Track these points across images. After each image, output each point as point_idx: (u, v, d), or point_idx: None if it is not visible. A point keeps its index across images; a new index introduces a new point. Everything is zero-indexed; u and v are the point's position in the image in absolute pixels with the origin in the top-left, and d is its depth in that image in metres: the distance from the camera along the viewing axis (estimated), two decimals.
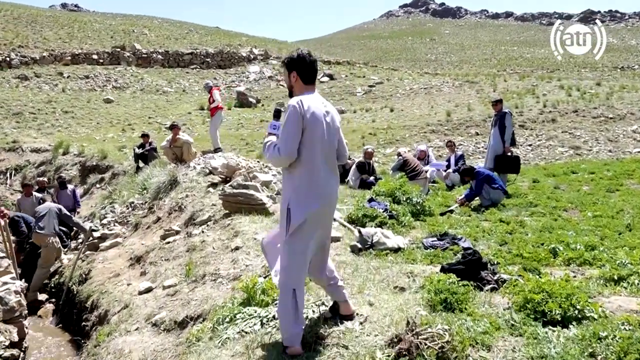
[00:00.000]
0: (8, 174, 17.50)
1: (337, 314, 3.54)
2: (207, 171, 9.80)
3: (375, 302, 3.88)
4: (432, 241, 5.80)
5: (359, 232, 5.68)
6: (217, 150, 12.46)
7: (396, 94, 33.60)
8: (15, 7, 59.84)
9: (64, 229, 11.03)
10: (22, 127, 22.78)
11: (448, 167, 11.53)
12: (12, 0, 69.48)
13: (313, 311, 3.67)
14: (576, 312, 3.45)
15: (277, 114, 3.44)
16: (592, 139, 19.21)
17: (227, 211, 7.38)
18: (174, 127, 11.08)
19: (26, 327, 6.23)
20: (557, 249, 5.44)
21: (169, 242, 7.18)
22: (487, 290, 4.10)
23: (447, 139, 18.56)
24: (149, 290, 5.85)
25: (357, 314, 3.60)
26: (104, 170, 15.99)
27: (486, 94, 29.04)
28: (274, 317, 3.62)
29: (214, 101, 13.18)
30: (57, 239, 8.77)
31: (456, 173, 10.48)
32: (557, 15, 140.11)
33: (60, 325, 7.57)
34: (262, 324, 3.58)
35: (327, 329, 3.39)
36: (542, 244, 5.81)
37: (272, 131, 3.24)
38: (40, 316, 8.00)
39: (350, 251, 5.52)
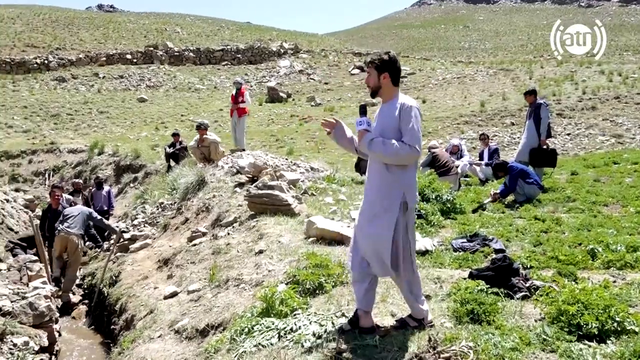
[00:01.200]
0: (47, 175, 18.02)
1: (357, 326, 3.38)
2: (235, 170, 9.76)
3: (397, 312, 3.72)
4: (462, 243, 5.57)
5: None
6: (242, 150, 12.43)
7: (428, 84, 32.98)
8: (52, 10, 61.69)
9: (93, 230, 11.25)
10: (59, 128, 23.41)
11: (481, 158, 11.18)
12: (51, 3, 71.60)
13: (333, 323, 3.53)
14: (615, 324, 3.20)
15: (363, 110, 3.45)
16: (635, 127, 18.36)
17: (252, 212, 7.30)
18: (200, 127, 11.08)
19: (57, 331, 6.32)
20: (596, 250, 5.13)
21: (195, 245, 7.17)
22: (518, 299, 3.87)
23: (481, 130, 18.09)
24: (174, 294, 5.83)
25: (378, 327, 3.44)
26: (137, 170, 16.25)
27: (522, 82, 28.19)
28: (291, 329, 3.50)
29: (243, 101, 13.10)
30: (81, 241, 8.85)
31: (489, 167, 10.12)
32: None
33: (93, 327, 7.67)
34: (279, 337, 3.46)
35: (345, 343, 3.24)
36: (580, 244, 5.52)
37: (366, 127, 3.31)
38: (74, 317, 8.14)
39: None
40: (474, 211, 7.68)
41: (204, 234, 7.54)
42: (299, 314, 3.76)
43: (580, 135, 17.83)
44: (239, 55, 42.60)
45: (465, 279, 4.30)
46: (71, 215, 8.73)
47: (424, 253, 5.32)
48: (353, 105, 29.19)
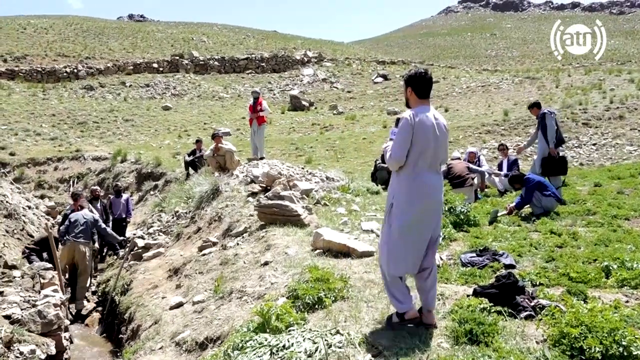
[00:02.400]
0: (71, 182, 18.37)
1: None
2: (249, 180, 9.77)
3: (396, 332, 3.61)
4: (471, 257, 5.42)
5: None
6: (261, 158, 12.47)
7: (452, 92, 32.65)
8: (84, 20, 63.26)
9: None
10: (85, 135, 23.89)
11: (500, 169, 10.95)
12: (84, 14, 73.30)
13: (326, 341, 3.45)
14: (620, 349, 3.05)
15: (397, 122, 3.95)
16: None
17: (262, 222, 7.28)
18: (215, 137, 11.16)
19: (66, 339, 6.37)
20: (611, 268, 4.93)
21: (204, 254, 7.17)
22: (522, 318, 3.73)
23: (504, 140, 17.77)
24: (179, 305, 5.83)
25: (373, 346, 3.35)
26: (158, 178, 16.44)
27: (548, 91, 27.68)
28: (284, 346, 3.43)
29: (262, 109, 13.20)
30: (88, 248, 8.91)
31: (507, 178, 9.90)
32: (628, 4, 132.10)
33: (105, 335, 7.73)
34: (271, 354, 3.39)
35: None
36: (595, 261, 5.31)
37: (392, 137, 3.77)
38: (87, 325, 8.22)
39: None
40: (490, 223, 7.51)
41: (214, 244, 7.55)
42: (294, 329, 3.68)
43: (607, 145, 17.34)
44: (263, 64, 42.94)
45: (469, 296, 4.18)
46: (77, 224, 8.80)
47: None
48: (375, 114, 29.11)
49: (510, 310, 3.80)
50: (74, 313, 8.40)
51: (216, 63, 42.04)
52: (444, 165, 10.00)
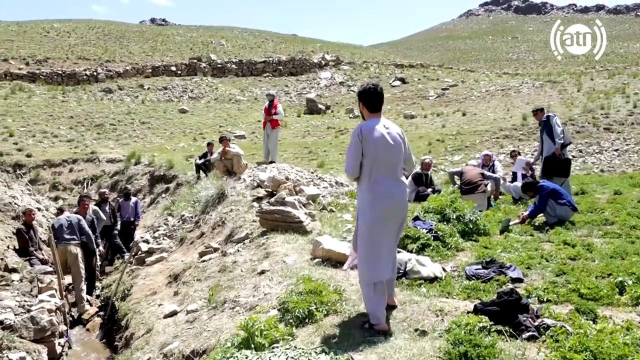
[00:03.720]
0: (85, 184, 18.44)
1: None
2: (256, 184, 9.60)
3: (385, 352, 3.37)
4: (476, 269, 5.14)
5: None
6: (271, 162, 12.30)
7: (470, 96, 32.18)
8: (106, 24, 64.18)
9: (118, 240, 11.30)
10: (102, 138, 24.05)
11: (514, 179, 10.55)
12: (107, 18, 74.44)
13: None
14: None
15: None
16: None
17: (264, 229, 7.08)
18: (223, 140, 11.03)
19: (60, 345, 6.25)
20: (625, 283, 4.60)
21: (204, 261, 7.00)
22: (523, 339, 3.45)
23: (522, 145, 17.35)
24: (173, 314, 5.66)
25: None
26: (170, 180, 16.38)
27: (569, 95, 27.07)
28: None
29: (276, 113, 13.04)
30: (79, 249, 8.76)
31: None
32: None
33: (104, 340, 7.60)
34: None
35: None
36: (609, 275, 4.99)
37: None
38: (88, 329, 8.11)
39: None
40: (502, 232, 7.21)
41: (215, 250, 7.38)
42: (278, 347, 3.47)
43: (630, 151, 16.78)
44: (280, 67, 42.95)
45: (469, 312, 3.92)
46: (63, 227, 8.64)
47: (432, 280, 4.94)
48: (391, 117, 28.77)
49: (511, 330, 3.53)
50: (74, 317, 8.30)
51: (234, 66, 42.18)
52: (457, 170, 9.75)
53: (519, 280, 4.92)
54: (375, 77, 41.94)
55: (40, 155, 19.75)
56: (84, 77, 36.19)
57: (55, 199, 17.12)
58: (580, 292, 4.39)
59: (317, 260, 5.64)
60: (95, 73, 36.74)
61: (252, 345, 3.60)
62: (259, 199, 8.79)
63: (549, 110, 19.32)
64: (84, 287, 8.47)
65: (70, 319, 7.99)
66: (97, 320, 8.32)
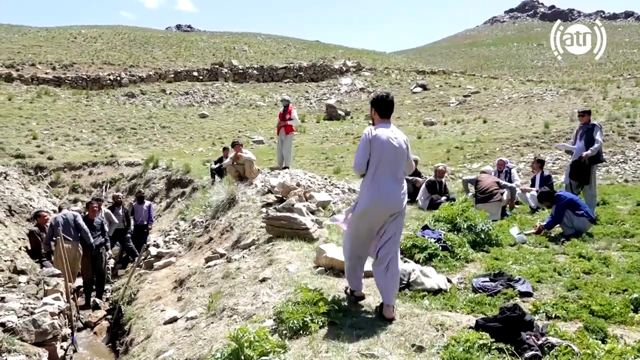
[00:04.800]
0: (104, 187, 18.65)
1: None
2: (266, 190, 9.52)
3: None
4: (483, 282, 4.94)
5: None
6: (285, 167, 12.22)
7: (492, 103, 31.70)
8: (132, 30, 65.31)
9: (131, 244, 11.32)
10: (122, 141, 24.31)
11: (533, 185, 10.24)
12: (134, 24, 75.74)
13: None
14: None
15: None
16: None
17: (270, 235, 6.98)
18: (235, 145, 10.98)
19: (63, 349, 6.23)
20: None
21: (209, 267, 6.92)
22: (525, 359, 3.26)
23: (543, 153, 16.96)
24: (173, 320, 5.58)
25: None
26: (186, 185, 16.43)
27: (594, 102, 26.44)
28: None
29: (290, 118, 12.96)
30: (79, 246, 8.75)
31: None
32: None
33: (110, 344, 7.57)
34: None
35: None
36: (624, 291, 4.74)
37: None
38: (95, 333, 8.10)
39: None
40: (513, 245, 6.96)
41: (221, 256, 7.30)
42: (267, 359, 3.35)
43: None
44: (301, 73, 43.01)
45: (470, 328, 3.74)
46: (59, 225, 8.64)
47: (436, 292, 4.76)
48: (411, 124, 28.53)
49: (513, 349, 3.34)
50: (82, 320, 8.30)
51: (255, 72, 42.39)
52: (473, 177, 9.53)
53: (527, 294, 4.72)
54: (396, 83, 41.68)
55: (62, 158, 20.03)
56: (108, 81, 36.75)
57: (75, 201, 17.31)
58: (592, 309, 4.17)
59: (320, 268, 5.51)
60: (119, 78, 37.28)
61: (242, 357, 3.48)
62: (268, 205, 8.70)
63: (572, 119, 18.83)
64: (74, 285, 8.47)
65: (77, 321, 7.99)
66: (105, 323, 8.31)
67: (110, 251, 10.15)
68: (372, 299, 4.52)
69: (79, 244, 8.83)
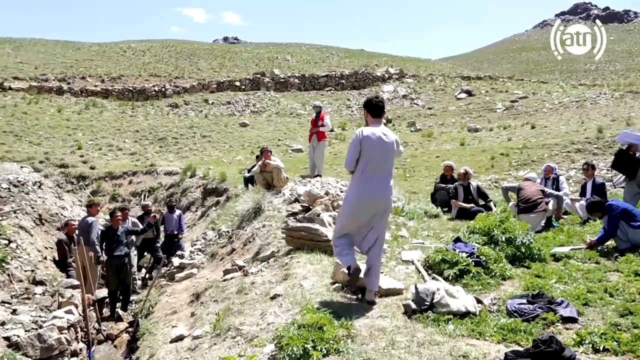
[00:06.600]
0: (142, 195, 18.79)
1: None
2: (293, 198, 9.11)
3: None
4: (519, 304, 4.31)
5: (415, 287, 4.41)
6: (317, 175, 11.77)
7: (542, 108, 30.30)
8: (179, 43, 66.81)
9: (160, 253, 11.13)
10: (163, 151, 24.59)
11: (583, 194, 9.37)
12: (183, 37, 77.64)
13: None
14: None
15: None
16: None
17: (290, 247, 6.55)
18: (264, 151, 10.63)
19: None
20: None
21: (225, 280, 6.55)
22: None
23: (596, 160, 15.83)
24: (180, 338, 5.22)
25: None
26: (221, 193, 16.27)
27: None
28: None
29: (323, 125, 12.55)
30: (91, 251, 8.56)
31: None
32: None
33: (128, 358, 7.31)
34: None
35: None
36: None
37: None
38: (115, 346, 7.87)
39: (402, 312, 4.29)
40: (558, 260, 6.24)
41: (240, 268, 6.91)
42: None
43: None
44: (343, 81, 42.66)
45: None
46: (80, 228, 8.57)
47: (463, 315, 4.17)
48: (454, 131, 27.61)
49: None
50: (106, 333, 8.10)
51: (296, 80, 42.36)
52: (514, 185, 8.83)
53: (571, 319, 4.07)
54: (440, 89, 40.68)
55: (103, 168, 20.38)
56: (153, 92, 37.54)
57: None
58: None
59: (337, 285, 5.02)
60: (163, 89, 38.03)
61: None
62: (293, 214, 8.27)
63: (629, 123, 17.61)
64: (100, 295, 8.31)
65: (98, 334, 7.80)
66: (125, 336, 8.08)
67: (137, 260, 9.97)
68: (387, 322, 3.99)
69: (87, 248, 8.67)
